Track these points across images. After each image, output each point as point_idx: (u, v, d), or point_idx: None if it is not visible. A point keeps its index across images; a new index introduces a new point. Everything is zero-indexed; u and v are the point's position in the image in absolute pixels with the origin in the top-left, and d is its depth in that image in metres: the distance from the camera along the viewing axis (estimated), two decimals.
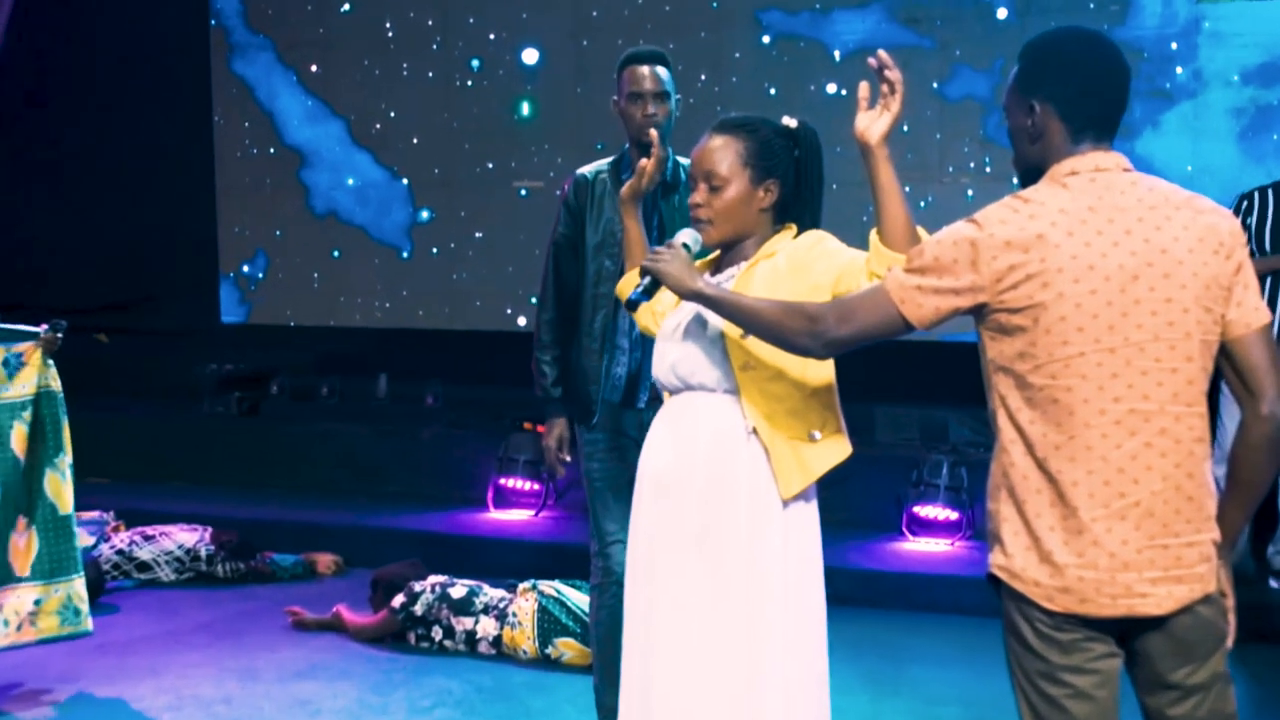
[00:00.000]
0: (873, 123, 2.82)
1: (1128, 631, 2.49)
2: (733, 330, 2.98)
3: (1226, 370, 2.53)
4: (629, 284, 3.44)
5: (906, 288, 2.52)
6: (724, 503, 3.02)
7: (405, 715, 4.82)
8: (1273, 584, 5.81)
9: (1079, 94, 2.51)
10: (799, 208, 3.15)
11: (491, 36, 8.48)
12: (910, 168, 7.32)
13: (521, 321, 8.48)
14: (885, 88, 2.82)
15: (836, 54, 7.72)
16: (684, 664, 3.02)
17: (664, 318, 3.25)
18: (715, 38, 7.76)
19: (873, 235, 2.86)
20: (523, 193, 8.47)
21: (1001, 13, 7.44)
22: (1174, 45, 7.14)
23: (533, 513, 7.56)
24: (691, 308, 3.06)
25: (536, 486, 7.62)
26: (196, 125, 9.25)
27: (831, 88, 7.72)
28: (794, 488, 3.02)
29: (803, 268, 3.01)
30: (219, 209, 9.22)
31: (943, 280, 2.48)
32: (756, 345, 2.94)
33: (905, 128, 7.38)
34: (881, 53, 2.83)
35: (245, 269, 9.19)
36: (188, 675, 5.19)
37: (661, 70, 4.08)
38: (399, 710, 4.86)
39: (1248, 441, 2.51)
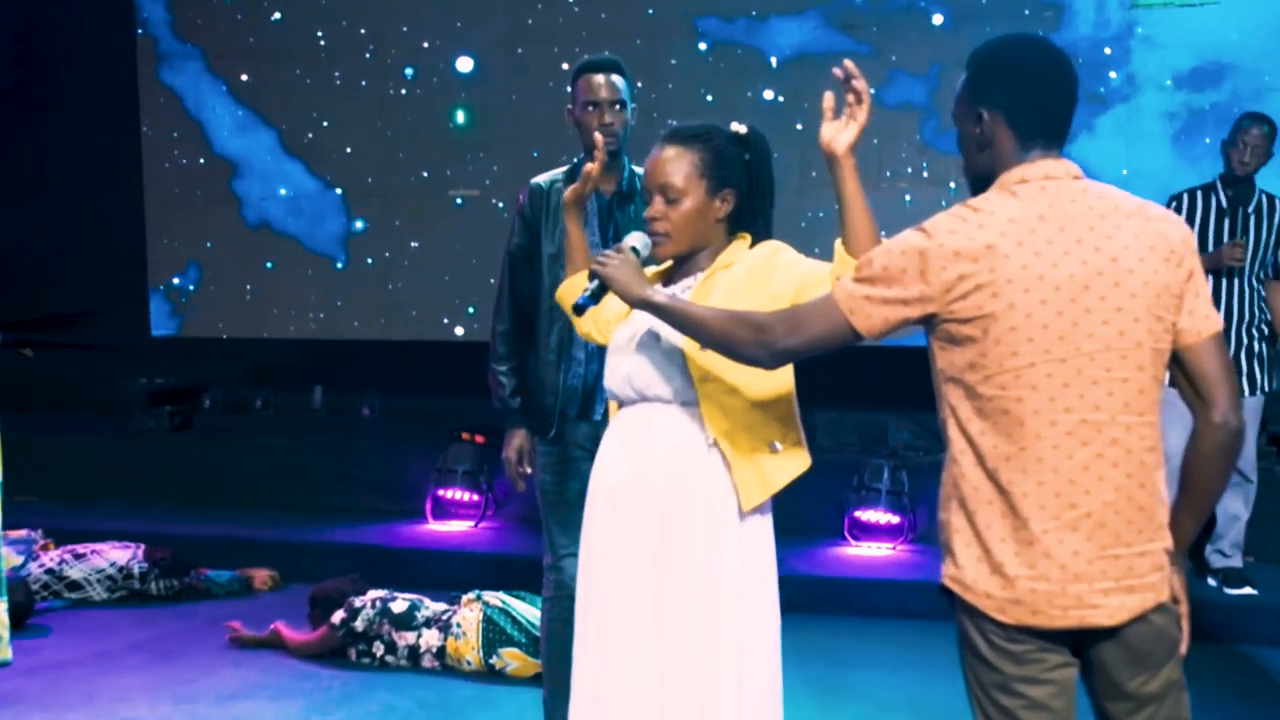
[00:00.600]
0: (839, 133, 2.81)
1: (1081, 642, 2.47)
2: (690, 342, 2.93)
3: (1178, 378, 2.51)
4: (571, 289, 3.38)
5: (855, 297, 2.49)
6: (682, 516, 2.97)
7: None
8: (1210, 582, 5.87)
9: (1027, 102, 2.49)
10: (752, 216, 3.11)
11: (425, 45, 8.40)
12: None
13: (459, 331, 8.41)
14: (851, 97, 2.80)
15: (773, 60, 7.72)
16: (639, 678, 2.97)
17: (610, 326, 3.20)
18: (652, 45, 7.74)
19: (837, 244, 2.84)
20: (459, 201, 8.40)
21: (937, 19, 7.47)
22: (1108, 50, 7.20)
23: (472, 524, 7.52)
24: (646, 318, 3.00)
25: (476, 497, 7.58)
26: (124, 135, 9.09)
27: (769, 94, 7.72)
28: (754, 500, 2.98)
29: (761, 278, 2.98)
30: (148, 220, 9.06)
31: (891, 290, 2.44)
32: (717, 357, 2.89)
33: None
34: (848, 63, 2.81)
35: (176, 281, 9.04)
36: (124, 698, 5.06)
37: (617, 78, 4.03)
38: None
39: (1200, 449, 2.50)
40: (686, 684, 2.95)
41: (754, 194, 3.09)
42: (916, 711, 4.93)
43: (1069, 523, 2.39)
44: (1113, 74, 7.22)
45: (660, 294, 2.85)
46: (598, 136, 3.44)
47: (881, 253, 2.48)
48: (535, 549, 6.80)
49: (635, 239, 3.04)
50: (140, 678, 5.30)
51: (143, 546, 6.61)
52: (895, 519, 6.97)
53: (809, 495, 6.58)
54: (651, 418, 3.03)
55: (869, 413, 7.43)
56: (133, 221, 9.07)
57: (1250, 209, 5.78)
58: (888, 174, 7.39)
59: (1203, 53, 7.16)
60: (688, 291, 3.05)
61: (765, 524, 3.05)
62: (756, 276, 2.98)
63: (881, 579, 6.43)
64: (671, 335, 2.98)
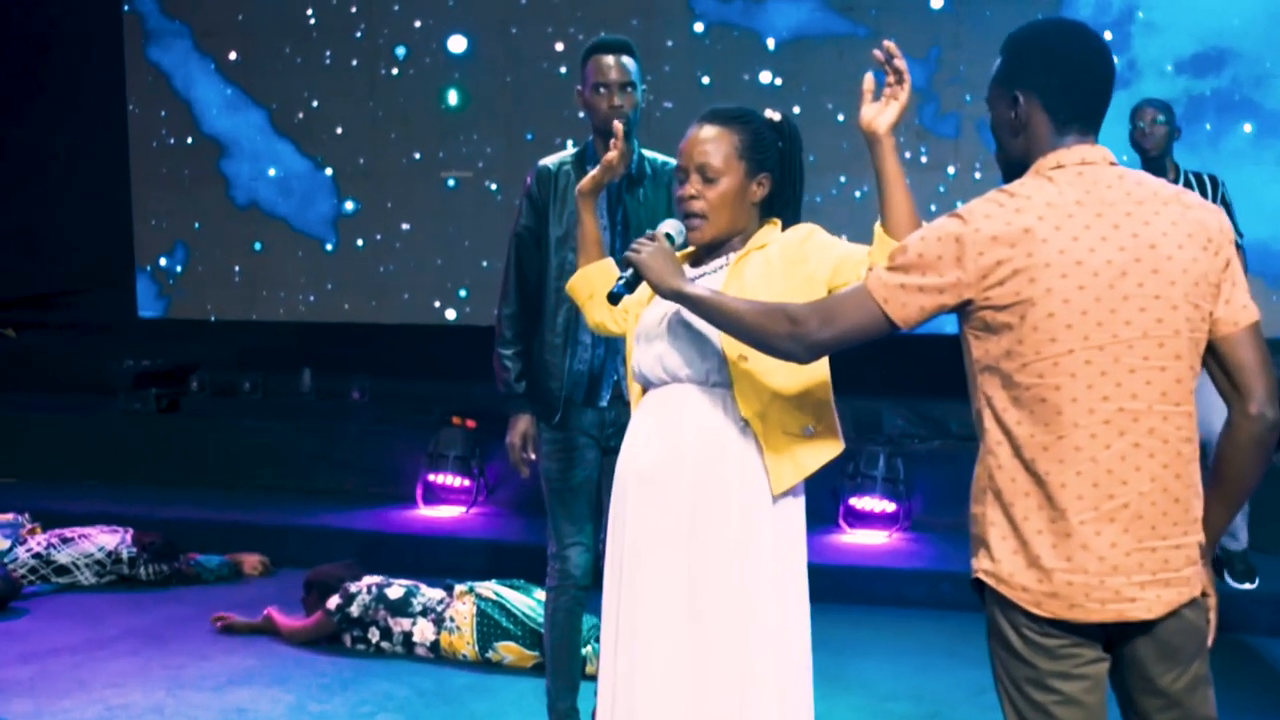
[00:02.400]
0: (879, 113, 2.77)
1: (1114, 636, 2.44)
2: None
3: (1213, 368, 2.47)
4: (583, 281, 3.34)
5: (890, 286, 2.44)
6: (715, 498, 2.93)
7: None
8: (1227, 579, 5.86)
9: (1064, 86, 2.45)
10: (782, 203, 3.07)
11: (417, 24, 8.30)
12: (846, 157, 7.29)
13: (450, 315, 8.34)
14: (892, 77, 2.77)
15: (770, 42, 7.66)
16: (673, 662, 2.92)
17: (628, 314, 3.15)
18: (647, 26, 7.66)
19: (877, 227, 2.80)
20: (451, 183, 8.32)
21: (936, 2, 7.41)
22: (1108, 35, 7.15)
23: (464, 509, 7.47)
24: None
25: (467, 483, 7.53)
26: (110, 114, 8.99)
27: (765, 76, 7.66)
28: (785, 483, 2.94)
29: (797, 260, 2.93)
30: (135, 200, 8.96)
31: (926, 278, 2.40)
32: None
33: (840, 117, 7.35)
34: (889, 43, 2.78)
35: (163, 262, 8.94)
36: (116, 685, 4.99)
37: (628, 60, 3.97)
38: (340, 716, 4.70)
39: (1235, 440, 2.46)
40: (725, 666, 2.91)
41: (786, 181, 3.05)
42: (919, 701, 4.90)
43: (1107, 514, 2.36)
44: (1114, 59, 7.17)
45: (694, 285, 2.81)
46: (617, 125, 3.37)
47: (916, 240, 2.43)
48: (528, 536, 6.81)
49: (670, 225, 2.99)
50: (132, 664, 5.24)
51: (131, 531, 6.54)
52: (891, 506, 6.93)
53: (803, 482, 6.64)
54: (683, 399, 2.98)
55: (864, 400, 7.37)
56: (119, 201, 8.98)
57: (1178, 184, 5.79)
58: None
59: (1203, 38, 7.12)
60: (720, 272, 3.00)
61: (798, 506, 3.01)
62: (791, 258, 2.94)
63: (877, 567, 6.40)
64: None
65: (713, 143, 2.97)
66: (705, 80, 7.73)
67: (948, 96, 7.36)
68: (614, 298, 2.92)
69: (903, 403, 7.61)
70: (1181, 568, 2.41)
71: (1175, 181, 5.77)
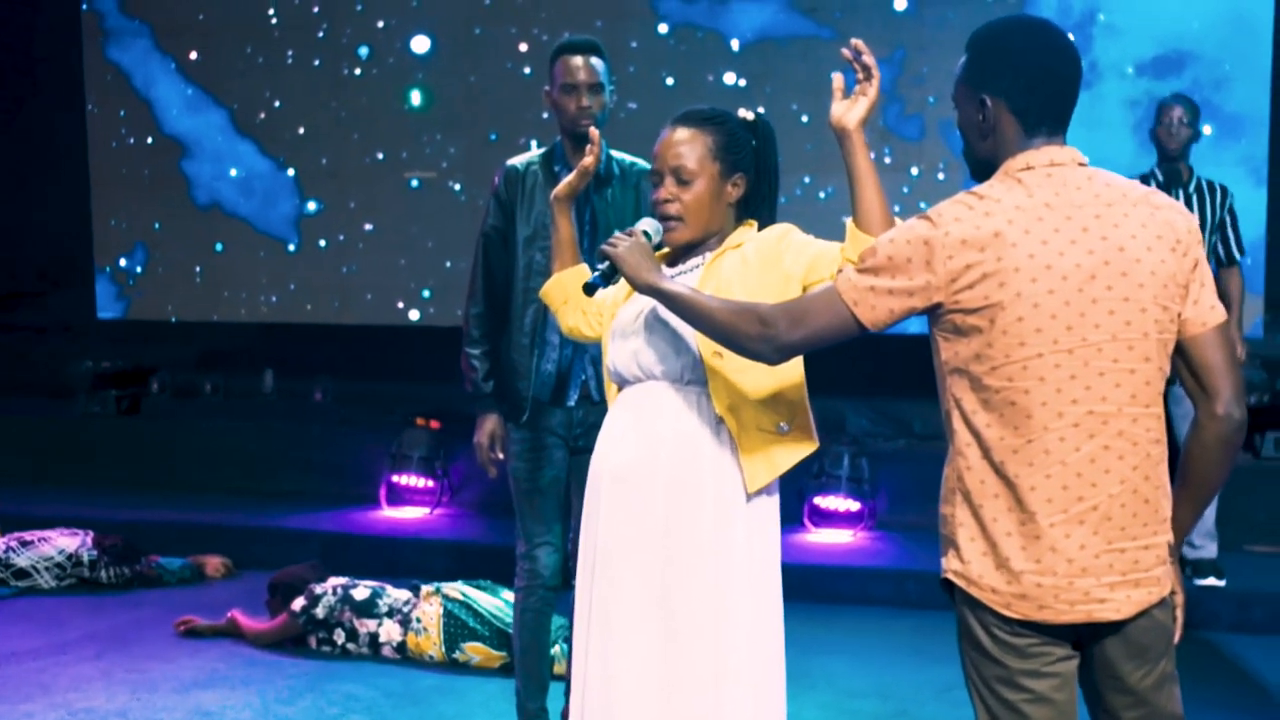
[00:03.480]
0: (849, 109, 2.78)
1: (1084, 636, 2.45)
2: None
3: (1181, 369, 2.48)
4: (557, 286, 3.33)
5: (859, 289, 2.44)
6: (689, 497, 2.93)
7: None
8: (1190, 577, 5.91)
9: (1030, 88, 2.44)
10: (757, 203, 3.07)
11: (380, 24, 8.26)
12: (810, 159, 7.30)
13: (414, 315, 8.30)
14: (862, 74, 2.78)
15: (735, 44, 7.67)
16: (648, 660, 2.91)
17: (602, 316, 3.15)
18: (611, 27, 7.65)
19: (849, 222, 2.80)
20: (414, 183, 8.28)
21: (900, 4, 7.44)
22: (1070, 37, 7.19)
23: (428, 510, 7.45)
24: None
25: (431, 484, 7.51)
26: (69, 114, 8.89)
27: (729, 78, 7.66)
28: (759, 481, 2.94)
29: (772, 259, 2.94)
30: (94, 201, 8.86)
31: (896, 280, 2.40)
32: None
33: (805, 118, 7.37)
34: (856, 41, 2.79)
35: (123, 263, 8.85)
36: (79, 689, 4.94)
37: (596, 61, 3.96)
38: (306, 718, 4.67)
39: (1203, 440, 2.47)
40: (699, 664, 2.90)
41: (761, 181, 3.06)
42: (885, 699, 4.91)
43: (1076, 516, 2.36)
44: (1079, 56, 7.22)
45: (669, 281, 2.81)
46: (594, 131, 3.37)
47: (885, 242, 2.43)
48: (492, 536, 6.79)
49: (647, 224, 2.99)
50: (95, 667, 5.19)
51: (91, 533, 6.49)
52: (855, 506, 6.97)
53: (777, 480, 6.66)
54: (658, 397, 2.98)
55: (828, 399, 7.37)
56: (78, 202, 8.88)
57: (1190, 189, 5.82)
58: None
59: (1164, 41, 7.18)
60: (696, 271, 3.00)
61: (772, 504, 3.01)
62: (766, 257, 2.94)
63: (842, 565, 6.43)
64: None
65: (687, 145, 2.96)
66: (670, 81, 7.74)
67: (912, 98, 7.40)
68: (589, 288, 2.91)
69: (867, 402, 7.64)
70: (1151, 568, 2.42)
71: (1189, 185, 5.80)
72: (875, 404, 7.70)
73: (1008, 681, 2.42)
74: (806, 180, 7.39)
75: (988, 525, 2.40)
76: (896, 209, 2.87)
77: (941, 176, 7.36)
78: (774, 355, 2.59)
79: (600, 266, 2.90)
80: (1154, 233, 2.40)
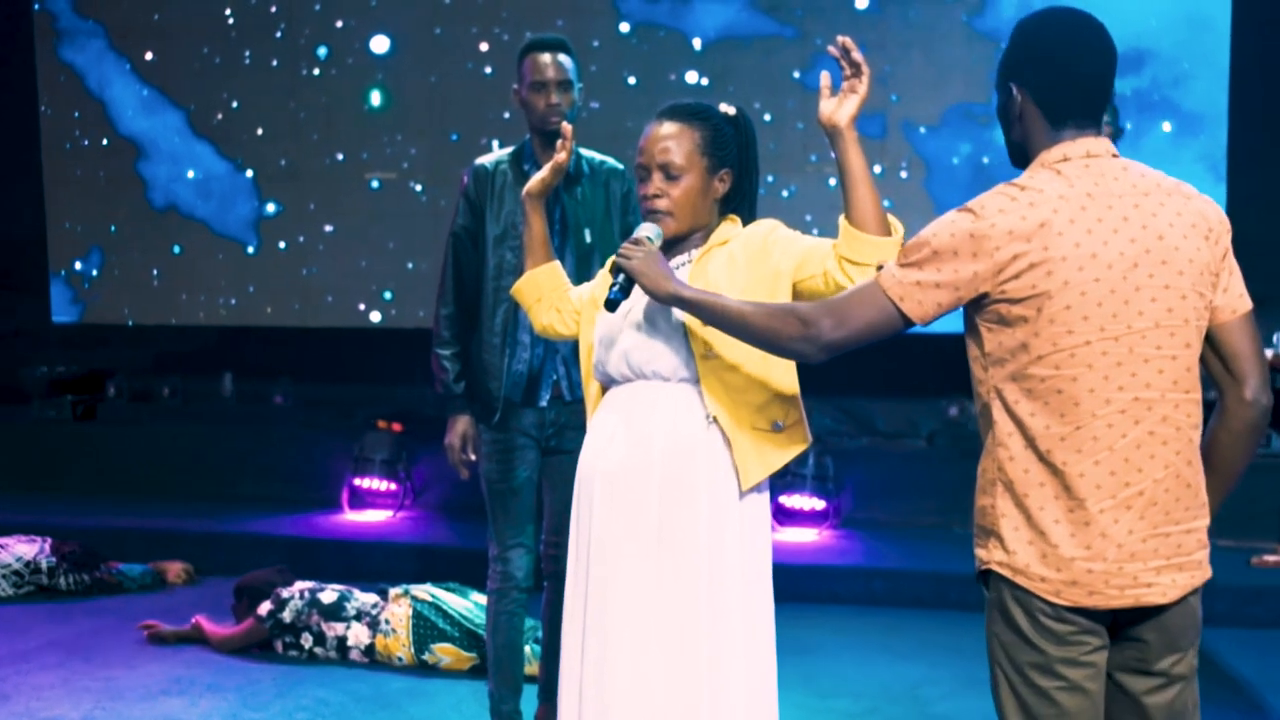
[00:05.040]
0: (839, 106, 2.80)
1: (1120, 621, 2.47)
2: (691, 317, 2.86)
3: (1209, 355, 2.53)
4: (530, 284, 3.31)
5: (905, 284, 2.46)
6: (683, 495, 2.91)
7: None
8: None
9: (1054, 83, 2.47)
10: (740, 199, 3.06)
11: (339, 24, 8.20)
12: (773, 157, 7.29)
13: (375, 317, 8.24)
14: (850, 70, 2.80)
15: (697, 42, 7.65)
16: (643, 659, 2.89)
17: (581, 314, 3.12)
18: (573, 26, 7.61)
19: (841, 220, 2.80)
20: (375, 184, 8.21)
21: (861, 2, 7.45)
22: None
23: (391, 513, 7.42)
24: (640, 293, 2.92)
25: (394, 487, 7.47)
26: (21, 115, 8.77)
27: (692, 76, 7.65)
28: (753, 479, 2.93)
29: (760, 255, 2.93)
30: (47, 203, 8.74)
31: (942, 274, 2.42)
32: (717, 333, 2.84)
33: (768, 116, 7.36)
34: (843, 38, 2.80)
35: (78, 266, 8.73)
36: (42, 698, 4.86)
37: (565, 58, 3.95)
38: None
39: (1229, 427, 2.52)
40: (695, 664, 2.88)
41: (744, 176, 3.05)
42: (858, 698, 4.91)
43: (1124, 501, 2.40)
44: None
45: (690, 289, 2.78)
46: (566, 126, 3.35)
47: (929, 236, 2.45)
48: (457, 539, 6.76)
49: (648, 229, 2.95)
50: (57, 675, 5.11)
51: (49, 540, 6.41)
52: (820, 504, 6.98)
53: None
54: (649, 396, 2.96)
55: None
56: (32, 204, 8.76)
57: None
58: (813, 158, 7.34)
59: (1123, 39, 7.09)
60: (684, 269, 2.99)
61: (763, 502, 3.00)
62: (754, 254, 2.93)
63: (808, 564, 6.43)
64: (670, 311, 2.92)
65: (674, 140, 2.95)
66: (632, 80, 7.72)
67: (873, 96, 7.32)
68: (610, 305, 2.86)
69: (830, 401, 7.66)
70: (1193, 551, 2.47)
71: None
72: (839, 402, 7.71)
73: (1044, 668, 2.44)
74: (770, 179, 7.38)
75: (1033, 514, 2.43)
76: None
77: (904, 175, 7.37)
78: (817, 354, 2.59)
79: (617, 280, 2.86)
80: (1189, 221, 2.45)
